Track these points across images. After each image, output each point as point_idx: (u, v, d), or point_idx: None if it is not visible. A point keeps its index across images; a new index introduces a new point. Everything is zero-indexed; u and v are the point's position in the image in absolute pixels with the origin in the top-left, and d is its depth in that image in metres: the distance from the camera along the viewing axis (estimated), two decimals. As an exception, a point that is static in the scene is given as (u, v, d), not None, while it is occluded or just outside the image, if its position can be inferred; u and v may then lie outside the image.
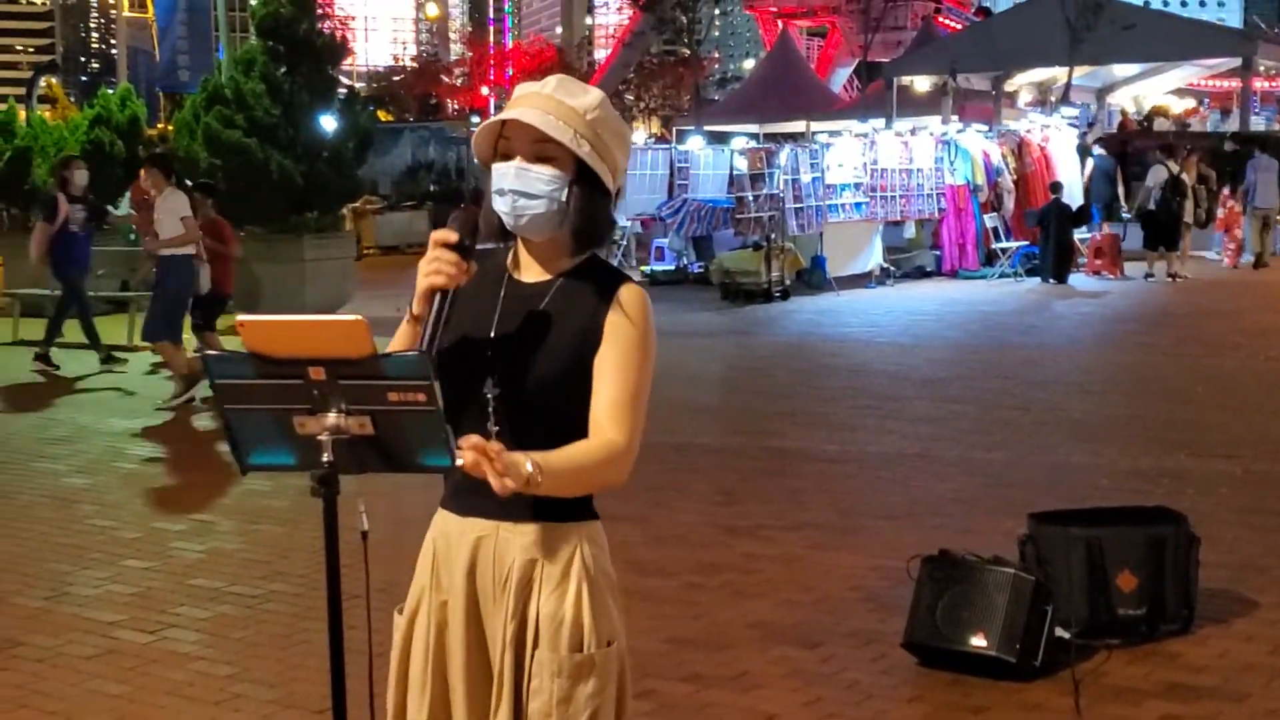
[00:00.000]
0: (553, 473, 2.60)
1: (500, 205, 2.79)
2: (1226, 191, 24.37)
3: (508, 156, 2.78)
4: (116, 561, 7.32)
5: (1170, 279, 21.74)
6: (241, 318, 2.52)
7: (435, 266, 2.71)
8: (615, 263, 22.03)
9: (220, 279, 12.97)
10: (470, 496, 2.78)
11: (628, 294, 2.81)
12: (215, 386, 2.59)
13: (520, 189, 2.74)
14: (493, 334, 2.79)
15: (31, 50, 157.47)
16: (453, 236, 2.73)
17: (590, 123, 2.77)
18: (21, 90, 29.97)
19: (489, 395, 2.74)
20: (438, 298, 2.70)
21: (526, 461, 2.56)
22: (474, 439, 2.52)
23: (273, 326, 2.53)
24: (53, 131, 20.89)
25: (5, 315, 17.34)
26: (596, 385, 2.78)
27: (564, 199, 2.75)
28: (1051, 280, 21.21)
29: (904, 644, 5.64)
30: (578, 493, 2.78)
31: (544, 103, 2.76)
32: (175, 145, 20.63)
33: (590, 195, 2.78)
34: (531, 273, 2.86)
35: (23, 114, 22.69)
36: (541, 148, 2.75)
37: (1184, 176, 22.59)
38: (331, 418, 2.53)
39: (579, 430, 2.77)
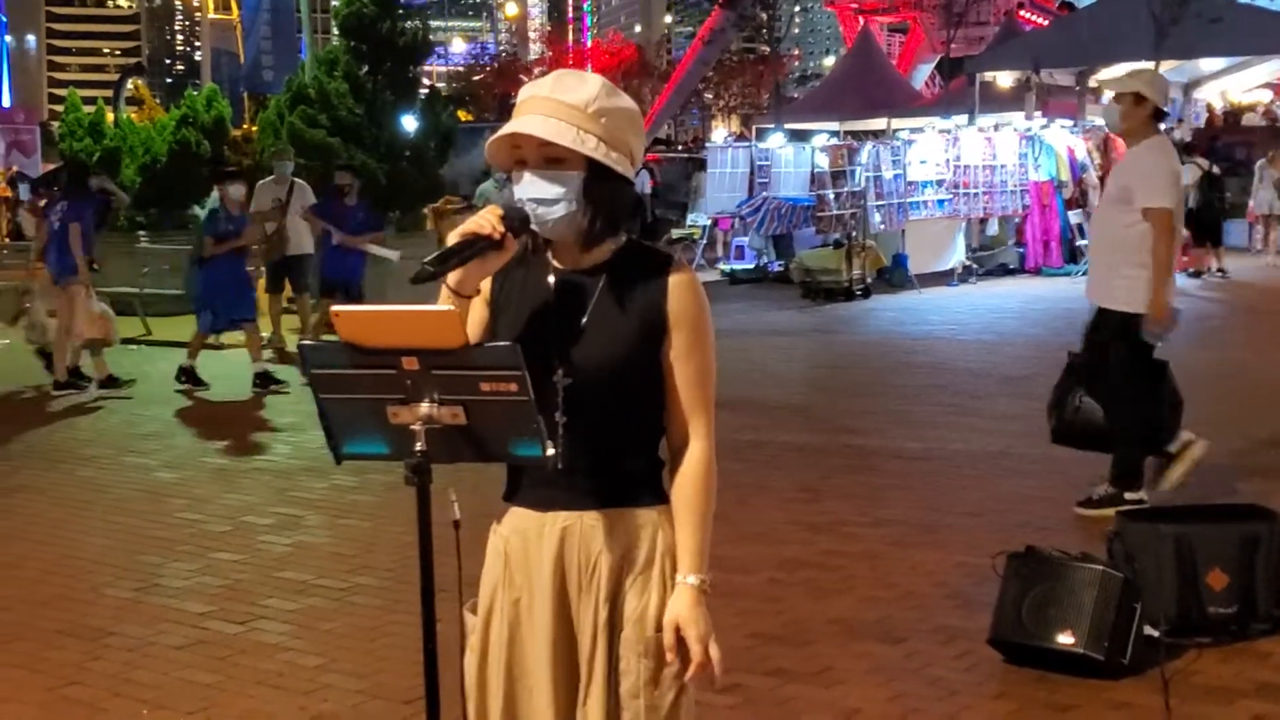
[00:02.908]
0: (703, 555, 2.86)
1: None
2: None
3: (521, 164, 2.81)
4: (206, 554, 7.43)
5: (1220, 274, 21.47)
6: (336, 308, 2.56)
7: (481, 219, 2.75)
8: (695, 262, 21.94)
9: None
10: (548, 490, 2.84)
11: (680, 278, 2.85)
12: (311, 376, 2.63)
13: (536, 196, 2.77)
14: (555, 324, 2.83)
15: (118, 53, 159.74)
16: (499, 211, 2.78)
17: (593, 115, 2.78)
18: (109, 92, 30.37)
19: (559, 385, 2.78)
20: (471, 239, 2.73)
21: (699, 597, 2.84)
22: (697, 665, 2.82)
23: (366, 317, 2.57)
24: (140, 132, 21.15)
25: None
26: (675, 372, 2.85)
27: (579, 197, 2.77)
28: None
29: (989, 640, 5.61)
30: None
31: (544, 106, 2.78)
32: (259, 145, 20.88)
33: (606, 187, 2.80)
34: (572, 261, 2.89)
35: (110, 115, 22.99)
36: (548, 151, 2.77)
37: (1215, 170, 22.44)
38: (424, 407, 2.56)
39: (643, 417, 2.87)
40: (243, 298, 13.06)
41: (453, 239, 2.73)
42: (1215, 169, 22.55)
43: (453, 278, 2.73)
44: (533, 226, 2.78)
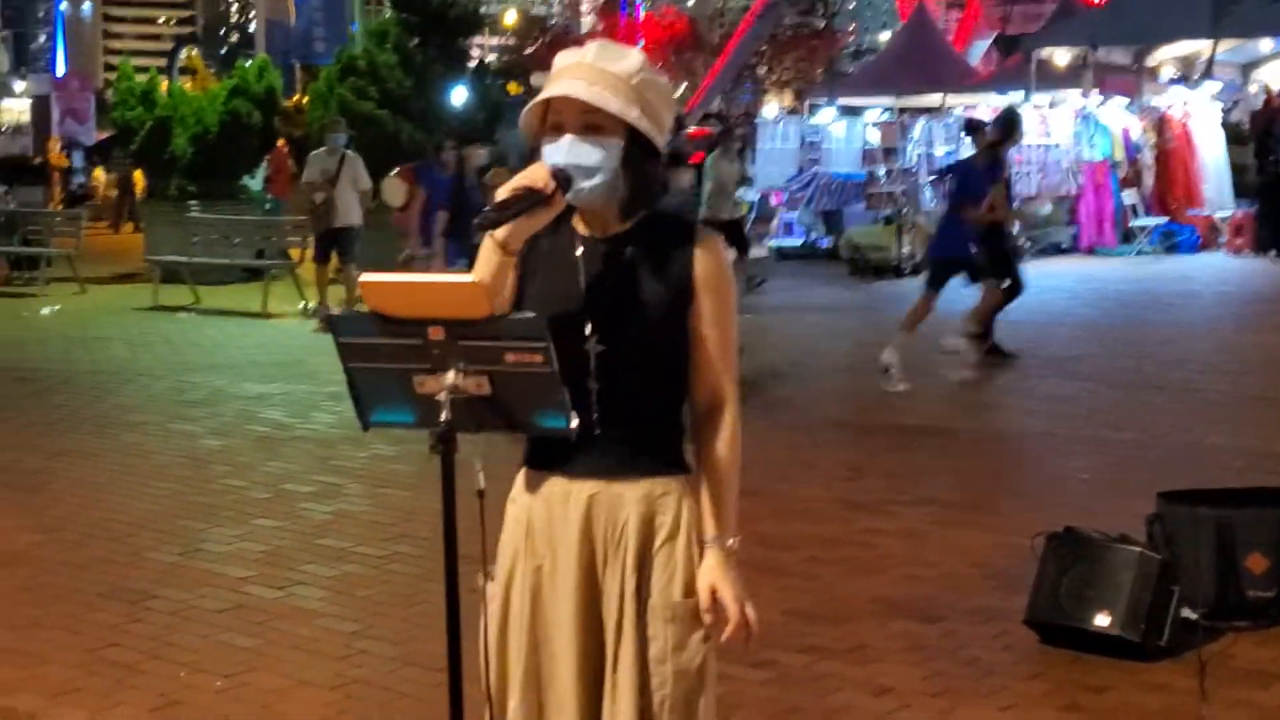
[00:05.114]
0: (732, 520, 2.90)
1: None
2: None
3: (557, 130, 2.80)
4: (247, 520, 7.48)
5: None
6: (364, 278, 2.57)
7: (532, 173, 2.75)
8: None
9: None
10: (579, 458, 2.84)
11: (707, 244, 2.88)
12: (340, 345, 2.64)
13: (575, 163, 2.76)
14: (585, 291, 2.83)
15: (173, 22, 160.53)
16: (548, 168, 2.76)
17: (636, 87, 2.80)
18: (163, 61, 30.52)
19: (591, 351, 2.78)
20: (525, 193, 2.72)
21: (731, 560, 2.88)
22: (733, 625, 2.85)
23: (393, 287, 2.58)
24: (192, 102, 21.19)
25: (146, 281, 17.74)
26: (703, 337, 2.86)
27: (619, 168, 2.78)
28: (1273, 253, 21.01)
29: (1026, 621, 5.58)
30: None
31: (587, 73, 2.79)
32: (310, 116, 20.92)
33: (643, 160, 2.82)
34: (599, 229, 2.89)
35: (164, 84, 23.06)
36: (590, 118, 2.77)
37: None
38: (450, 377, 2.57)
39: (669, 384, 2.87)
40: None
41: (502, 194, 2.73)
42: None
43: (501, 233, 2.73)
44: (567, 196, 2.77)
